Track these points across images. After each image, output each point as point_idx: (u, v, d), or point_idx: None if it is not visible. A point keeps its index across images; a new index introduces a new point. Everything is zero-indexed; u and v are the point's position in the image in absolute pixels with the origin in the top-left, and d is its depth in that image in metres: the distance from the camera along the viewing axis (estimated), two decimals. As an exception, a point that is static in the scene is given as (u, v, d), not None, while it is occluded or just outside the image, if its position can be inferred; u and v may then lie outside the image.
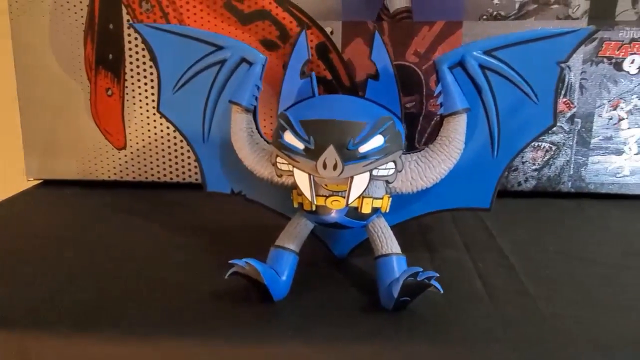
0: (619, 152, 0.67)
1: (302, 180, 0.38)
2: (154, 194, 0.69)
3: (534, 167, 0.68)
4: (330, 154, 0.36)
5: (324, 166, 0.36)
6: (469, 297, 0.43)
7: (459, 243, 0.54)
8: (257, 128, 0.46)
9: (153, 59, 0.48)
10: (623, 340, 0.37)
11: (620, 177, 0.68)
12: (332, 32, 0.65)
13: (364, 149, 0.36)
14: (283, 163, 0.40)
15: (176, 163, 0.70)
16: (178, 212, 0.63)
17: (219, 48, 0.46)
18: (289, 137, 0.38)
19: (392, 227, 0.45)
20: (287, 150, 0.38)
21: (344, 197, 0.39)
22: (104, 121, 0.70)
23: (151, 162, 0.70)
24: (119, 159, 0.70)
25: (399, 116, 0.42)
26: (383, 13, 0.65)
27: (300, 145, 0.37)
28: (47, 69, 0.68)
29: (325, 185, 0.40)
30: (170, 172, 0.70)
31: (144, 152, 0.70)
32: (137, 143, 0.70)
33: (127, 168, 0.71)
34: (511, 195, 0.68)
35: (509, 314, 0.40)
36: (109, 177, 0.71)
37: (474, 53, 0.43)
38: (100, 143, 0.70)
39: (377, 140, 0.37)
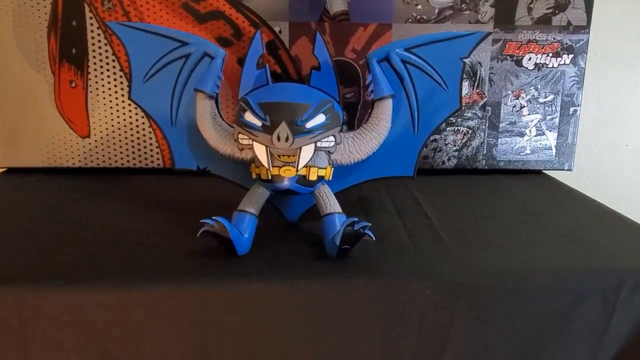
0: (521, 134, 0.80)
1: (260, 151, 0.47)
2: (119, 179, 0.74)
3: (454, 148, 0.80)
4: (283, 129, 0.45)
5: (278, 139, 0.45)
6: (397, 247, 0.53)
7: (391, 210, 0.64)
8: (218, 112, 0.54)
9: (125, 52, 0.54)
10: (508, 271, 0.49)
11: (523, 155, 0.81)
12: (280, 31, 0.74)
13: (309, 124, 0.46)
14: (244, 138, 0.48)
15: (139, 150, 0.76)
16: (144, 192, 0.69)
17: (184, 44, 0.54)
18: (249, 117, 0.46)
19: (335, 195, 0.55)
20: (248, 127, 0.46)
21: (295, 167, 0.48)
22: (68, 111, 0.74)
23: (114, 150, 0.76)
24: (83, 146, 0.75)
25: (337, 100, 0.52)
26: (324, 15, 0.74)
27: (258, 123, 0.46)
28: (10, 62, 0.72)
29: (279, 156, 0.49)
30: (134, 159, 0.76)
31: (108, 140, 0.75)
32: (101, 132, 0.75)
33: (91, 155, 0.76)
34: (436, 172, 0.80)
35: (428, 256, 0.51)
36: (74, 164, 0.76)
37: (397, 50, 0.53)
38: (65, 132, 0.75)
39: (320, 118, 0.46)
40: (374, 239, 0.48)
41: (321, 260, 0.49)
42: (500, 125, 0.80)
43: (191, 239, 0.49)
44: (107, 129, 0.75)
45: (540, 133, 0.80)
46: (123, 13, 0.72)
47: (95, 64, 0.73)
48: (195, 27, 0.73)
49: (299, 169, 0.47)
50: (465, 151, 0.80)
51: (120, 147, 0.76)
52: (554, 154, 0.81)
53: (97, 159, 0.76)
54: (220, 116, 0.54)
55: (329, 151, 0.49)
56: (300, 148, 0.46)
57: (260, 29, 0.52)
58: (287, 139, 0.45)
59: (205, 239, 0.48)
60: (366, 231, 0.47)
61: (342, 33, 0.75)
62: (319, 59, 0.52)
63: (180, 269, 0.47)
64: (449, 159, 0.80)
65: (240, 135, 0.48)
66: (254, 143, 0.47)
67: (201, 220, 0.47)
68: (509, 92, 0.79)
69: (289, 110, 0.45)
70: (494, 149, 0.81)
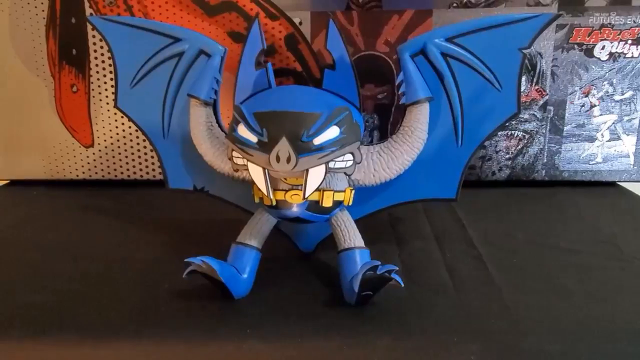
0: (591, 139, 0.67)
1: (257, 174, 0.37)
2: (124, 193, 0.67)
3: (507, 156, 0.68)
4: (284, 147, 0.35)
5: (277, 159, 0.35)
6: (434, 288, 0.42)
7: (428, 234, 0.53)
8: (217, 121, 0.45)
9: (110, 52, 0.46)
10: (585, 329, 0.37)
11: (593, 164, 0.67)
12: (300, 23, 0.64)
13: (318, 140, 0.35)
14: (239, 157, 0.38)
15: (146, 160, 0.68)
16: (146, 210, 0.61)
17: (177, 40, 0.45)
18: (242, 130, 0.36)
19: (359, 220, 0.45)
20: (241, 143, 0.37)
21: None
22: (70, 118, 0.68)
23: (120, 160, 0.69)
24: (87, 157, 0.69)
25: (357, 106, 0.41)
26: (352, 2, 0.64)
27: (253, 139, 0.36)
28: (8, 66, 0.66)
29: (285, 179, 0.39)
30: (140, 170, 0.69)
31: (113, 150, 0.68)
32: (105, 140, 0.68)
33: (95, 166, 0.69)
34: (485, 185, 0.68)
35: (473, 304, 0.40)
36: (77, 176, 0.69)
37: (436, 40, 0.42)
38: (67, 141, 0.68)
39: (332, 132, 0.36)
40: (402, 285, 0.37)
41: (336, 307, 0.39)
42: (565, 128, 0.66)
43: (182, 273, 0.40)
44: (111, 137, 0.68)
45: (615, 137, 0.66)
46: (125, 8, 0.64)
47: (97, 65, 0.66)
48: (205, 20, 0.64)
49: (306, 196, 0.37)
50: (521, 160, 0.68)
51: (126, 157, 0.69)
52: (632, 162, 0.67)
53: (102, 170, 0.69)
54: (220, 126, 0.45)
55: (345, 172, 0.39)
56: (307, 170, 0.36)
57: (257, 18, 0.43)
58: (288, 160, 0.35)
59: (196, 277, 0.39)
60: (392, 275, 0.37)
61: (373, 23, 0.64)
62: (333, 55, 0.42)
63: (161, 318, 0.38)
64: (500, 169, 0.68)
65: (234, 154, 0.39)
66: (249, 164, 0.37)
67: (185, 259, 0.39)
68: (577, 88, 0.65)
69: (292, 122, 0.35)
70: (556, 157, 0.67)
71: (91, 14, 0.64)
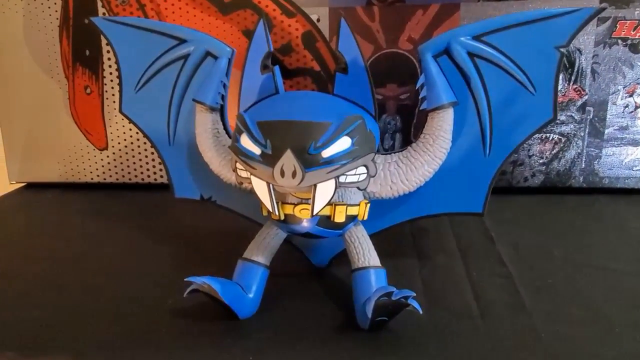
0: (635, 143, 0.61)
1: (260, 189, 0.34)
2: (136, 197, 0.66)
3: (541, 161, 0.62)
4: (289, 160, 0.31)
5: (282, 174, 0.32)
6: (457, 313, 0.38)
7: (453, 248, 0.49)
8: (225, 127, 0.42)
9: (114, 54, 0.44)
10: (630, 367, 0.32)
11: (637, 170, 0.62)
12: (318, 20, 0.61)
13: (327, 153, 0.32)
14: (242, 169, 0.35)
15: (160, 163, 0.67)
16: (158, 216, 0.60)
17: (182, 41, 0.42)
18: (245, 141, 0.33)
19: (378, 233, 0.41)
20: (244, 155, 0.34)
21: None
22: (84, 121, 0.67)
23: (134, 163, 0.67)
24: (101, 159, 0.68)
25: (372, 113, 0.38)
26: (373, -3, 0.60)
27: (256, 150, 0.33)
28: (23, 68, 0.65)
29: (294, 192, 0.36)
30: (154, 173, 0.67)
31: (127, 153, 0.67)
32: (119, 143, 0.67)
33: (109, 169, 0.68)
34: (517, 191, 0.63)
35: (500, 333, 0.36)
36: (92, 179, 0.68)
37: (461, 39, 0.38)
38: (81, 144, 0.67)
39: (343, 143, 0.32)
40: (421, 312, 0.34)
41: (348, 332, 0.36)
42: (606, 131, 0.61)
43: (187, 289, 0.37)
44: (125, 140, 0.66)
45: (663, 141, 0.60)
46: (138, 7, 0.62)
47: (110, 66, 0.64)
48: (219, 19, 0.61)
49: (315, 213, 0.34)
50: (557, 165, 0.62)
51: (140, 160, 0.67)
52: (682, 168, 0.61)
53: (116, 173, 0.68)
54: (227, 132, 0.42)
55: (358, 187, 0.36)
56: (315, 186, 0.33)
57: (262, 19, 0.39)
58: (294, 175, 0.32)
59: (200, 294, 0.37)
60: (409, 301, 0.33)
61: (396, 18, 0.60)
62: (345, 57, 0.38)
63: (159, 341, 0.36)
64: (533, 175, 0.63)
65: (238, 165, 0.36)
66: (252, 177, 0.34)
67: (186, 279, 0.36)
68: (620, 87, 0.59)
69: (298, 133, 0.32)
70: (596, 162, 0.62)
71: (104, 14, 0.63)
